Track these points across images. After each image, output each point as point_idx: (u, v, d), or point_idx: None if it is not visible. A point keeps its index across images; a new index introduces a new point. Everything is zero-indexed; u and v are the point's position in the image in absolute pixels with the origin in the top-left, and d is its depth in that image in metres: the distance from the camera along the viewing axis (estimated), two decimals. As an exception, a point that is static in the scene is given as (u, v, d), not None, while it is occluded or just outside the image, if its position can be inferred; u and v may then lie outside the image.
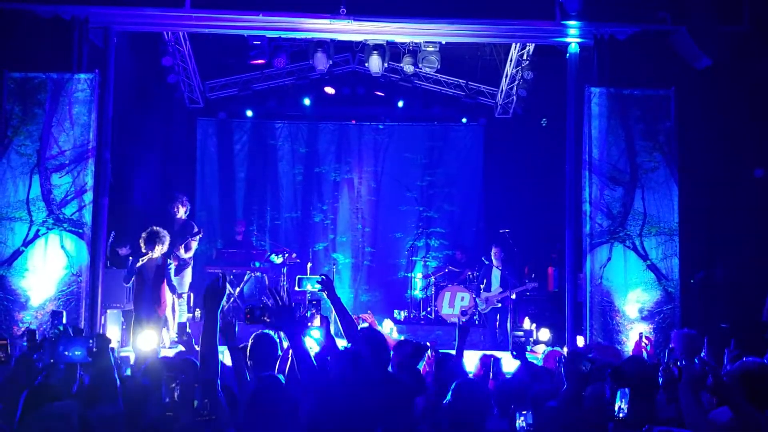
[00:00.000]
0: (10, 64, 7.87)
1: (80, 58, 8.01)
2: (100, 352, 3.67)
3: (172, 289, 8.01)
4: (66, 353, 3.86)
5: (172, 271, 7.97)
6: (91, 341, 3.84)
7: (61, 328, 5.10)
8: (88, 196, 7.86)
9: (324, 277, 4.42)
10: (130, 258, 7.88)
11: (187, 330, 8.49)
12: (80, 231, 7.78)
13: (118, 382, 3.60)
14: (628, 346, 7.55)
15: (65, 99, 7.90)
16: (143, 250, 7.72)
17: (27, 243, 7.74)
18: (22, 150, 7.84)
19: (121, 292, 8.39)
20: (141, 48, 9.89)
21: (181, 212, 8.71)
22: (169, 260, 7.96)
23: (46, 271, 7.73)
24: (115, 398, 3.49)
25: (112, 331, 8.23)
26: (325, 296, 4.37)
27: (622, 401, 3.31)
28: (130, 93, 9.37)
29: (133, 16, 8.37)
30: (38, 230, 7.77)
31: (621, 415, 3.33)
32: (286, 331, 3.40)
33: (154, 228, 7.83)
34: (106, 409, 3.27)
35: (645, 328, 7.71)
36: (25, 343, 5.21)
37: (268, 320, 3.39)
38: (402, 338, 7.54)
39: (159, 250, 7.76)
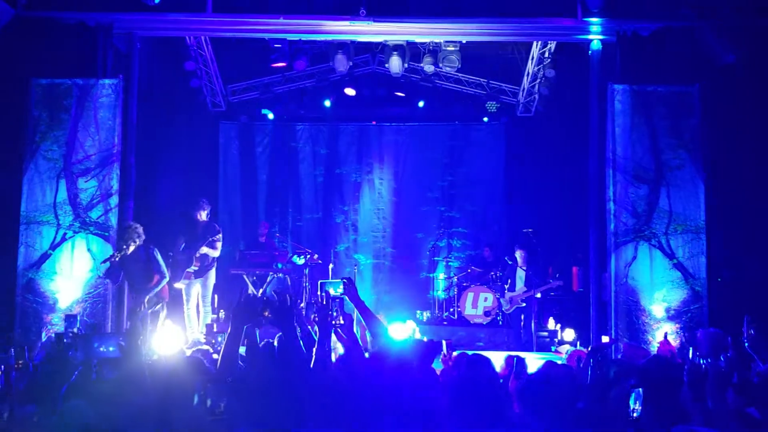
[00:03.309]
0: (37, 71, 8.00)
1: (105, 63, 8.13)
2: (131, 347, 3.74)
3: (161, 274, 7.55)
4: (100, 349, 3.98)
5: (158, 257, 7.57)
6: (121, 337, 3.93)
7: (75, 331, 5.21)
8: (114, 200, 7.97)
9: (346, 280, 4.42)
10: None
11: (214, 330, 8.59)
12: (106, 234, 7.89)
13: (148, 376, 3.65)
14: (655, 346, 7.47)
15: (90, 104, 8.01)
16: (124, 247, 7.44)
17: (54, 246, 7.87)
18: (49, 155, 7.97)
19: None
20: (164, 53, 9.99)
21: (203, 215, 8.77)
22: (155, 249, 7.57)
23: (74, 273, 7.85)
24: (146, 392, 3.54)
25: (138, 332, 8.31)
26: (347, 299, 4.37)
27: (636, 402, 3.30)
28: (154, 97, 9.47)
29: (156, 22, 8.47)
30: (65, 234, 7.90)
31: (635, 415, 3.31)
32: (282, 330, 3.62)
33: (126, 223, 7.76)
34: (135, 405, 3.32)
35: (672, 327, 7.63)
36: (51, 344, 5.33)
37: (268, 315, 3.56)
38: (425, 339, 7.54)
39: (133, 246, 7.42)
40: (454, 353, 5.40)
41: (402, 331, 8.33)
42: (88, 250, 7.88)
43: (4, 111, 7.95)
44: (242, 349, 4.87)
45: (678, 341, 7.50)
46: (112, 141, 8.03)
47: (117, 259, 7.41)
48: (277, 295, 3.62)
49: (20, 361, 4.60)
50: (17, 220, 7.87)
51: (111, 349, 4.04)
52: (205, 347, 7.50)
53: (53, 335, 5.65)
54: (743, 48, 7.76)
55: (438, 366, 4.82)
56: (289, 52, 10.68)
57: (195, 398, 3.37)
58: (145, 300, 7.43)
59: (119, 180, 8.02)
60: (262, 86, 12.16)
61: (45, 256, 7.85)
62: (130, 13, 8.20)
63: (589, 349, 5.42)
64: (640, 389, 3.36)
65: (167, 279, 7.65)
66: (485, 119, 12.47)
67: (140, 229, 7.58)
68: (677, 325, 7.72)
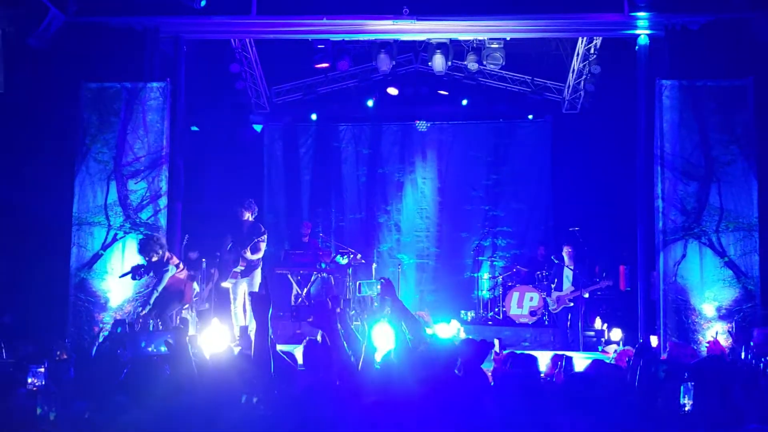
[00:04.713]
0: (87, 75, 8.21)
1: (152, 67, 8.30)
2: (178, 344, 3.80)
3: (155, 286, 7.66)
4: (149, 348, 4.05)
5: (165, 275, 7.64)
6: (169, 334, 4.00)
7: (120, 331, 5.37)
8: (163, 201, 8.14)
9: (384, 280, 4.41)
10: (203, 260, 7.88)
11: (249, 332, 8.69)
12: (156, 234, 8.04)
13: (196, 372, 3.70)
14: (705, 346, 7.29)
15: (139, 107, 8.19)
16: (150, 260, 7.59)
17: (105, 246, 8.06)
18: (100, 157, 8.17)
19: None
20: (209, 56, 10.15)
21: (247, 215, 8.87)
22: (169, 266, 7.65)
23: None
24: (193, 390, 3.60)
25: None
26: (387, 299, 4.36)
27: (686, 397, 3.27)
28: (200, 100, 9.63)
29: (202, 25, 8.60)
30: (116, 234, 8.08)
31: (686, 409, 3.27)
32: (326, 332, 3.70)
33: (147, 234, 7.84)
34: (184, 403, 3.37)
35: (723, 327, 7.43)
36: (107, 343, 5.48)
37: (310, 320, 3.59)
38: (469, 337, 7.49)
39: (156, 257, 7.54)
40: (504, 352, 5.36)
41: (446, 331, 8.30)
42: (138, 250, 8.05)
43: (55, 114, 8.19)
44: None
45: (730, 341, 7.30)
46: (160, 143, 8.20)
47: (143, 271, 7.62)
48: (317, 300, 3.71)
49: (63, 354, 4.73)
50: (69, 221, 8.08)
51: (162, 348, 4.09)
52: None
53: (106, 332, 5.81)
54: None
55: (488, 366, 4.78)
56: (332, 52, 10.73)
57: (243, 397, 3.40)
58: (141, 315, 7.55)
59: (168, 181, 8.18)
60: (306, 87, 12.26)
61: (96, 257, 8.05)
62: (176, 16, 8.34)
63: (636, 348, 5.31)
64: (690, 383, 3.31)
65: (156, 294, 7.64)
66: (530, 116, 12.32)
67: (162, 240, 7.75)
68: (729, 325, 7.51)
